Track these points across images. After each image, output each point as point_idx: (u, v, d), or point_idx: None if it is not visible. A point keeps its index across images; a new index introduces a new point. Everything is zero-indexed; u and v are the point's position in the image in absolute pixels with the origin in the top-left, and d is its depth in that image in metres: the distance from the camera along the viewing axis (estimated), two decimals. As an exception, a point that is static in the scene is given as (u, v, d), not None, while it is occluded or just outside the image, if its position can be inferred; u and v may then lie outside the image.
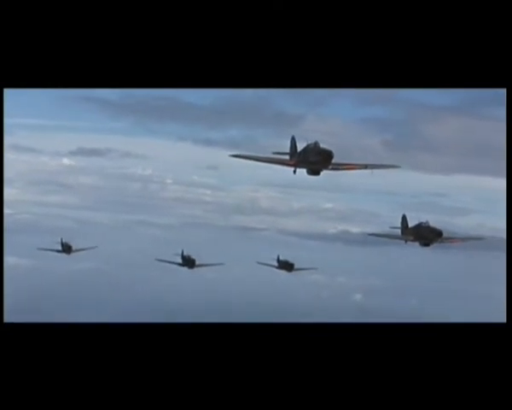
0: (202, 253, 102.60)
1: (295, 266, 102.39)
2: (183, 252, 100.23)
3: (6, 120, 34.19)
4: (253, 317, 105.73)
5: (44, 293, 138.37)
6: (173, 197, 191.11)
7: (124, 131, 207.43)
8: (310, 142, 58.14)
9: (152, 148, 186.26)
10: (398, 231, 72.30)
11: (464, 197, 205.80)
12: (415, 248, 70.64)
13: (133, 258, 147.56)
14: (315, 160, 57.33)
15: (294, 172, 59.13)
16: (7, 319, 31.73)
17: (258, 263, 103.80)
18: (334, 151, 56.71)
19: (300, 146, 59.71)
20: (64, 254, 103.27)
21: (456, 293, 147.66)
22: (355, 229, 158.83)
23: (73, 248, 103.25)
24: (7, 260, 39.38)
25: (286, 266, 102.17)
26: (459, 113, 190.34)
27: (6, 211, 40.77)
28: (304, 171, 58.95)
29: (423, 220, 69.80)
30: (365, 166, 58.99)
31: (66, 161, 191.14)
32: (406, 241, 70.95)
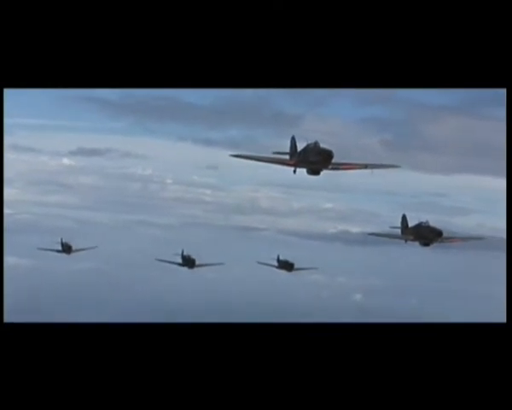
0: (202, 253, 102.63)
1: (295, 266, 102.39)
2: (183, 252, 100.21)
3: (6, 120, 34.22)
4: (253, 317, 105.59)
5: (44, 293, 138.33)
6: (173, 197, 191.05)
7: (124, 131, 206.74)
8: (310, 142, 58.17)
9: (152, 148, 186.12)
10: (398, 231, 72.31)
11: (464, 197, 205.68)
12: (415, 248, 70.67)
13: (133, 258, 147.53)
14: (315, 159, 57.35)
15: (294, 171, 59.15)
16: (7, 319, 31.73)
17: (259, 263, 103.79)
18: (333, 151, 56.75)
19: (300, 146, 59.73)
20: (64, 254, 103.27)
21: (456, 293, 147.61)
22: (355, 229, 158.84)
23: (73, 248, 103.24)
24: (7, 260, 39.36)
25: (286, 265, 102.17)
26: (459, 113, 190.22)
27: (6, 211, 40.79)
28: (304, 171, 58.97)
29: (423, 220, 69.84)
30: (365, 166, 59.01)
31: (66, 160, 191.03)
32: (406, 241, 70.97)
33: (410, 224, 71.57)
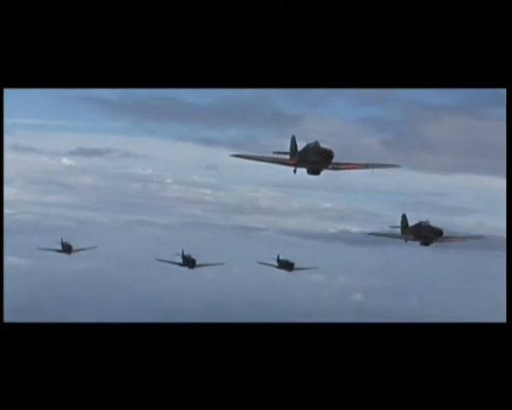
0: (202, 253, 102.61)
1: (295, 266, 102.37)
2: (183, 252, 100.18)
3: (6, 120, 34.23)
4: (253, 317, 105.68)
5: (44, 293, 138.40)
6: (173, 197, 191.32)
7: (123, 131, 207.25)
8: (310, 141, 58.18)
9: (152, 148, 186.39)
10: (398, 231, 72.32)
11: (464, 197, 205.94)
12: (415, 248, 70.67)
13: (133, 258, 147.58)
14: (315, 159, 57.36)
15: (295, 171, 59.17)
16: (7, 319, 31.73)
17: (259, 263, 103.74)
18: (333, 151, 56.75)
19: (300, 146, 59.74)
20: (64, 254, 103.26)
21: (456, 293, 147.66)
22: (355, 228, 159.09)
23: (73, 248, 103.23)
24: (7, 260, 39.37)
25: (286, 265, 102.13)
26: (459, 112, 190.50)
27: (6, 211, 40.81)
28: (304, 170, 58.98)
29: (423, 220, 69.83)
30: (366, 166, 59.02)
31: (66, 160, 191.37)
32: (406, 240, 70.96)
33: (410, 223, 71.59)
